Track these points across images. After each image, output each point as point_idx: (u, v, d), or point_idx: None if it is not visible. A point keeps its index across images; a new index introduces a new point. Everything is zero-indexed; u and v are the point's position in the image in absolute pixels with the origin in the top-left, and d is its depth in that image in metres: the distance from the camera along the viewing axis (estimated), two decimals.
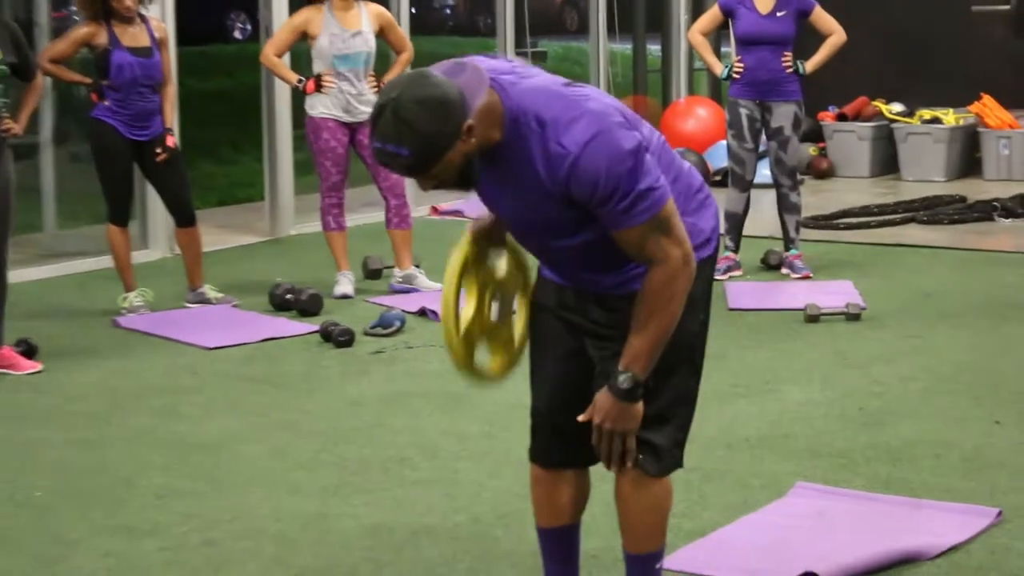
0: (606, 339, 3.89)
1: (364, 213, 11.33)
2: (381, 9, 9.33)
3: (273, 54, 9.28)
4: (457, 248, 3.98)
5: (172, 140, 8.85)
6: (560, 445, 4.08)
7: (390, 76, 9.15)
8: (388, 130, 3.54)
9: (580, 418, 3.86)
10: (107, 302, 9.01)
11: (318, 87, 9.07)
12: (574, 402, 3.96)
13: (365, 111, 8.96)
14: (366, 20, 9.13)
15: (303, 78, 9.16)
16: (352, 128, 9.11)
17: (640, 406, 3.81)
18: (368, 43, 9.11)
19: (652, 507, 4.03)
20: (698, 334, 4.01)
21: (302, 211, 11.79)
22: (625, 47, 16.11)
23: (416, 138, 3.53)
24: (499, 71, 3.74)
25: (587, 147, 3.59)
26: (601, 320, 3.92)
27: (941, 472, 5.71)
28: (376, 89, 9.07)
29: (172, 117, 9.00)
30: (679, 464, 4.03)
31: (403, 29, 9.98)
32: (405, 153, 3.55)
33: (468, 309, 3.99)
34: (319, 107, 9.11)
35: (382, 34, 9.22)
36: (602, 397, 3.81)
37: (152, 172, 8.93)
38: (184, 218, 9.02)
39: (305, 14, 9.12)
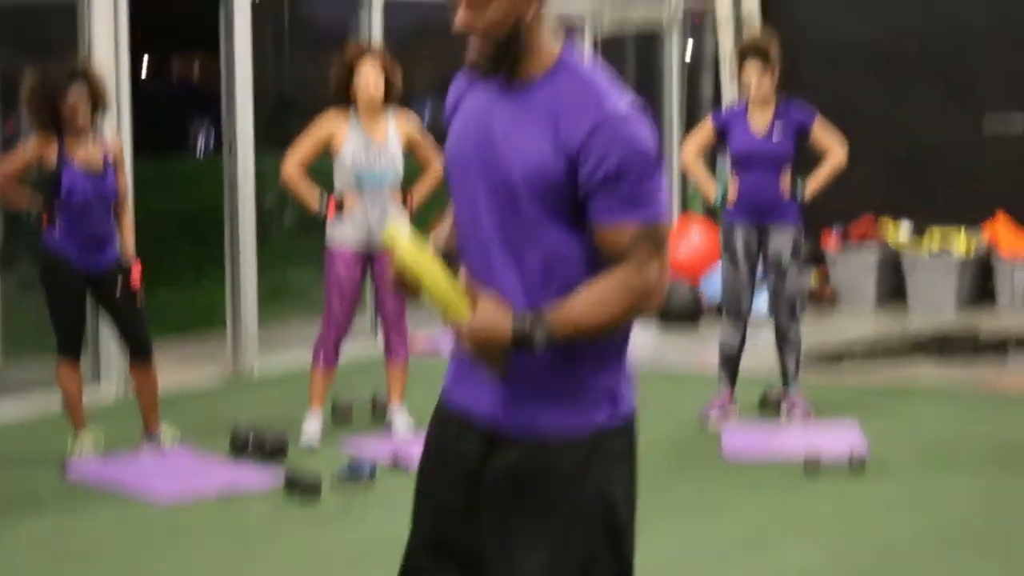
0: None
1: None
2: (410, 119, 9.25)
3: (295, 169, 9.07)
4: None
5: (137, 270, 8.84)
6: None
7: (419, 192, 9.22)
8: None
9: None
10: (56, 446, 8.96)
11: (339, 209, 9.01)
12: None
13: None
14: (393, 133, 9.06)
15: (324, 193, 9.04)
16: (371, 257, 9.07)
17: (507, 349, 3.60)
18: (395, 162, 9.06)
19: None
20: (629, 504, 3.87)
21: (267, 342, 11.79)
22: None
23: None
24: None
25: (630, 115, 3.55)
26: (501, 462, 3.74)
27: None
28: (406, 207, 9.10)
29: (131, 243, 9.01)
30: None
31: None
32: None
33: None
34: (337, 236, 9.06)
35: (409, 148, 9.17)
36: (502, 317, 3.59)
37: (106, 303, 8.91)
38: (139, 353, 8.97)
39: (330, 122, 9.05)
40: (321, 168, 9.19)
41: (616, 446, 3.78)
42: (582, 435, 3.70)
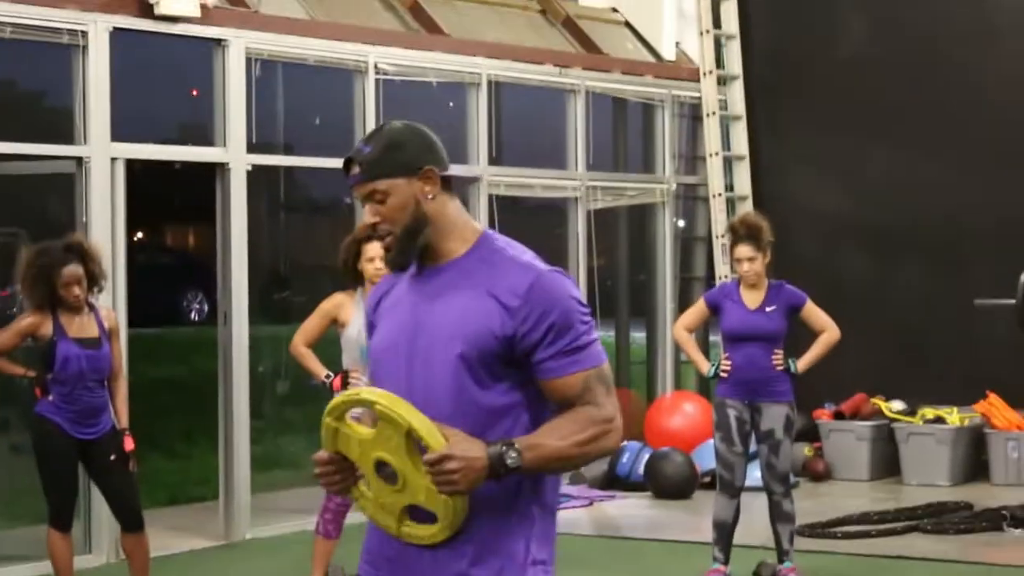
0: None
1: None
2: None
3: (303, 344, 9.12)
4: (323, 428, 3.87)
5: (130, 442, 8.82)
6: None
7: None
8: (369, 134, 3.90)
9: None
10: None
11: (344, 384, 8.97)
12: None
13: None
14: None
15: (331, 374, 9.04)
16: None
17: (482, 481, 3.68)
18: None
19: None
20: None
21: (259, 511, 11.75)
22: (607, 334, 16.18)
23: (383, 140, 3.84)
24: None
25: (553, 272, 3.77)
26: None
27: None
28: None
29: (125, 414, 9.00)
30: None
31: None
32: (367, 150, 3.83)
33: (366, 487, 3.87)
34: None
35: None
36: (476, 445, 3.68)
37: (98, 473, 8.89)
38: (131, 523, 8.91)
39: (337, 299, 9.06)
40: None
41: None
42: None
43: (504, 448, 3.66)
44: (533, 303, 3.71)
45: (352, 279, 9.06)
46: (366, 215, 3.87)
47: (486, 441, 3.69)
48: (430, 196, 3.82)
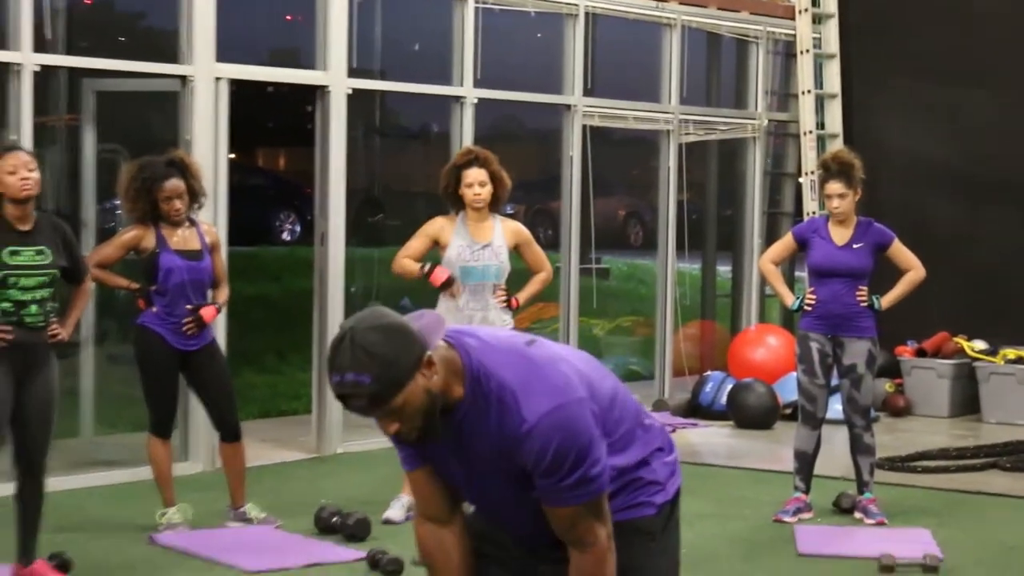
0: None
1: None
2: (519, 226, 9.33)
3: (404, 258, 9.10)
4: None
5: (211, 311, 8.94)
6: None
7: (524, 295, 9.26)
8: (346, 360, 3.69)
9: None
10: (144, 516, 9.07)
11: (446, 285, 9.00)
12: None
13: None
14: (499, 234, 9.11)
15: (428, 265, 9.03)
16: None
17: None
18: (499, 256, 9.09)
19: None
20: (675, 573, 4.19)
21: (350, 427, 11.86)
22: (694, 267, 16.22)
23: (376, 364, 3.67)
24: (461, 332, 3.93)
25: (543, 419, 3.77)
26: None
27: None
28: (505, 304, 9.16)
29: (224, 299, 9.15)
30: None
31: None
32: (366, 381, 3.68)
33: None
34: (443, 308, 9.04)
35: (518, 251, 9.23)
36: None
37: (198, 384, 9.03)
38: (229, 433, 9.08)
39: (438, 222, 9.12)
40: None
41: None
42: None
43: None
44: (524, 452, 3.79)
45: (452, 203, 9.15)
46: (384, 427, 3.83)
47: None
48: (434, 376, 3.79)
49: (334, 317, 11.66)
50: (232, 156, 11.30)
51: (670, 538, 4.12)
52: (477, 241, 9.04)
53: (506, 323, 9.08)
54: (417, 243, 9.17)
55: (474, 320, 8.92)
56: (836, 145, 14.63)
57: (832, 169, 9.54)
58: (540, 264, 9.35)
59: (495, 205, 9.13)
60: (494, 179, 9.05)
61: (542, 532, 3.99)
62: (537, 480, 3.83)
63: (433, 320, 3.82)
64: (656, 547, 4.05)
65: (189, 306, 8.78)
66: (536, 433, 3.77)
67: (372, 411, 3.74)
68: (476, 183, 8.98)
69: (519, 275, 9.32)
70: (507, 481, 3.90)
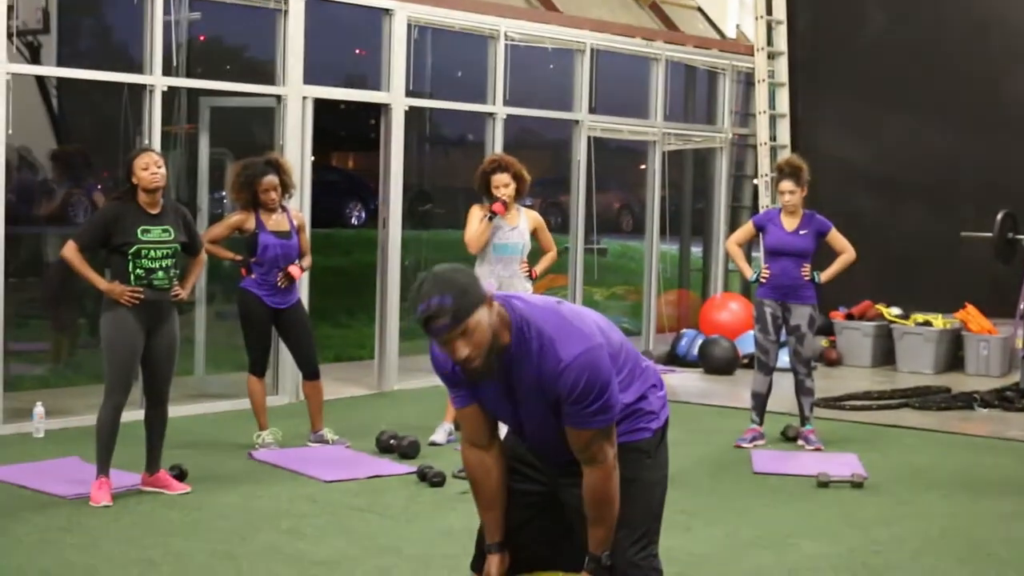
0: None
1: None
2: (537, 215, 9.27)
3: (467, 234, 9.00)
4: None
5: (297, 270, 8.89)
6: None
7: (539, 268, 9.19)
8: (430, 288, 3.67)
9: None
10: (244, 438, 9.10)
11: (502, 208, 8.89)
12: (533, 533, 4.09)
13: (513, 289, 8.95)
14: (523, 220, 9.08)
15: (492, 209, 8.91)
16: None
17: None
18: (523, 236, 9.04)
19: None
20: (663, 485, 4.15)
21: (404, 370, 11.87)
22: (673, 247, 16.20)
23: (455, 289, 3.66)
24: (507, 296, 3.90)
25: (575, 360, 3.77)
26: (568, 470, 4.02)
27: None
28: (526, 273, 9.06)
29: (308, 265, 9.11)
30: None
31: None
32: (448, 301, 3.65)
33: None
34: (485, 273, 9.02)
35: (534, 234, 9.16)
36: None
37: (286, 334, 9.03)
38: (310, 372, 9.09)
39: (478, 211, 8.97)
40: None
41: None
42: None
43: (596, 561, 3.93)
44: (560, 385, 3.78)
45: (485, 198, 9.11)
46: (456, 352, 3.74)
47: (587, 569, 3.95)
48: (495, 315, 3.78)
49: (392, 283, 11.67)
50: (313, 158, 11.26)
51: (661, 455, 4.11)
52: (508, 224, 9.00)
53: (527, 288, 9.05)
54: (474, 223, 9.06)
55: (503, 284, 8.90)
56: (785, 154, 14.51)
57: (785, 171, 9.50)
58: (549, 245, 9.32)
59: (519, 196, 9.08)
60: (516, 178, 9.01)
61: (565, 453, 3.96)
62: (566, 408, 3.81)
63: (487, 284, 3.87)
64: (651, 462, 4.05)
65: (280, 270, 8.75)
66: (569, 370, 3.75)
67: (451, 330, 3.68)
68: (502, 185, 8.95)
69: (533, 254, 9.30)
70: (543, 410, 3.87)
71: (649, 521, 4.04)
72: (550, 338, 3.79)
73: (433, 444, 9.13)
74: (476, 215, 9.03)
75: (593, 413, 3.80)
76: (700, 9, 16.01)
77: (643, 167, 14.75)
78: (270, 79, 10.94)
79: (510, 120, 12.69)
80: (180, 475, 7.83)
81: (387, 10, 11.64)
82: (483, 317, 3.71)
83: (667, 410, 4.12)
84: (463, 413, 4.06)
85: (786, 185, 9.42)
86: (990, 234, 13.38)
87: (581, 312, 3.95)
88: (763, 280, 9.55)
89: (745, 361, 13.08)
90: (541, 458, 4.10)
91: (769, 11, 15.20)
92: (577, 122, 13.47)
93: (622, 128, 14.19)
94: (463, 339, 3.71)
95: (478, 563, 4.20)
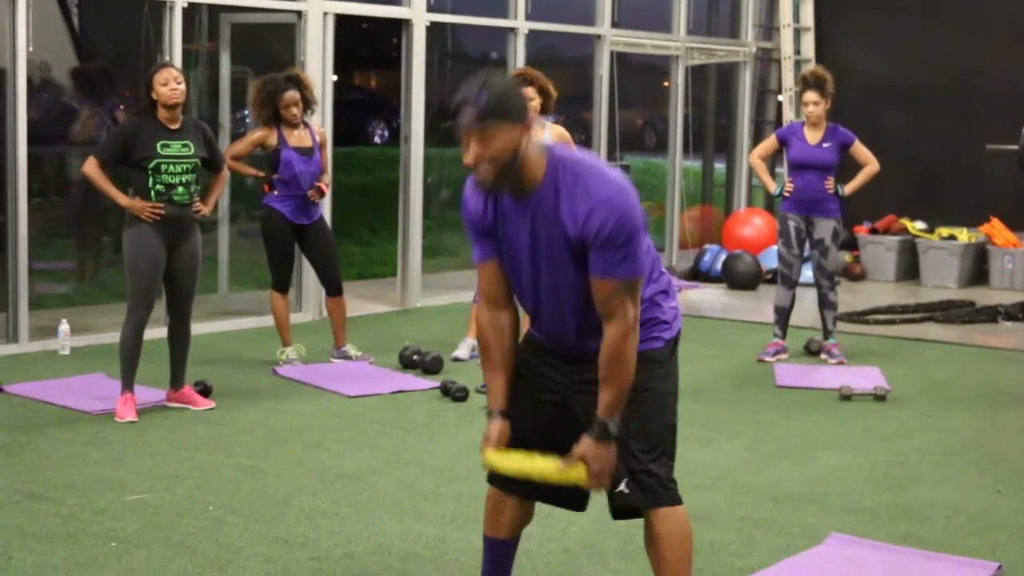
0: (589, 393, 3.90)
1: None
2: (562, 130, 8.82)
3: None
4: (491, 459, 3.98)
5: (324, 187, 8.91)
6: (521, 480, 4.03)
7: None
8: (474, 85, 3.66)
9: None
10: (268, 354, 9.13)
11: None
12: (544, 442, 3.98)
13: None
14: (548, 135, 8.63)
15: None
16: None
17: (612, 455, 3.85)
18: None
19: (681, 541, 3.97)
20: (674, 395, 4.06)
21: (427, 287, 11.88)
22: (696, 164, 16.14)
23: (495, 93, 3.63)
24: (548, 145, 3.83)
25: (609, 197, 3.68)
26: (581, 379, 3.95)
27: (951, 531, 5.69)
28: None
29: (328, 182, 9.10)
30: (679, 496, 4.01)
31: None
32: (481, 97, 3.62)
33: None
34: None
35: None
36: (595, 446, 3.81)
37: (309, 250, 9.03)
38: (333, 289, 9.10)
39: None
40: None
41: None
42: None
43: (604, 427, 3.79)
44: (592, 220, 3.68)
45: None
46: (471, 151, 3.67)
47: (591, 437, 3.80)
48: (527, 143, 3.70)
49: (415, 201, 11.63)
50: (335, 77, 11.20)
51: (673, 366, 4.05)
52: None
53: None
54: None
55: None
56: (810, 68, 14.42)
57: (809, 81, 9.43)
58: None
59: (544, 111, 8.99)
60: (542, 92, 8.90)
61: (581, 336, 3.91)
62: (592, 252, 3.71)
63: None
64: (662, 371, 3.99)
65: (308, 189, 8.75)
66: (602, 207, 3.67)
67: (473, 125, 3.63)
68: (528, 99, 8.85)
69: None
70: (565, 265, 3.79)
71: (662, 431, 3.98)
72: (585, 176, 3.72)
73: (456, 360, 9.15)
74: None
75: (620, 261, 3.70)
76: None
77: (666, 83, 14.64)
78: None
79: (532, 36, 12.59)
80: (205, 391, 7.87)
81: None
82: (507, 131, 3.65)
83: (680, 321, 4.06)
84: (482, 267, 3.97)
85: (810, 96, 9.35)
86: (1015, 147, 13.25)
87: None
88: (787, 194, 9.50)
89: (768, 276, 13.06)
90: (555, 347, 4.02)
91: None
92: (599, 37, 13.36)
93: (645, 43, 14.07)
94: (479, 141, 3.65)
95: (499, 480, 4.14)
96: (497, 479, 4.13)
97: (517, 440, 4.00)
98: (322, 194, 8.85)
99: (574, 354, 3.98)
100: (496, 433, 3.98)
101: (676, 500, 3.98)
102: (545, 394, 4.03)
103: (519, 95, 3.71)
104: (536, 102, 8.83)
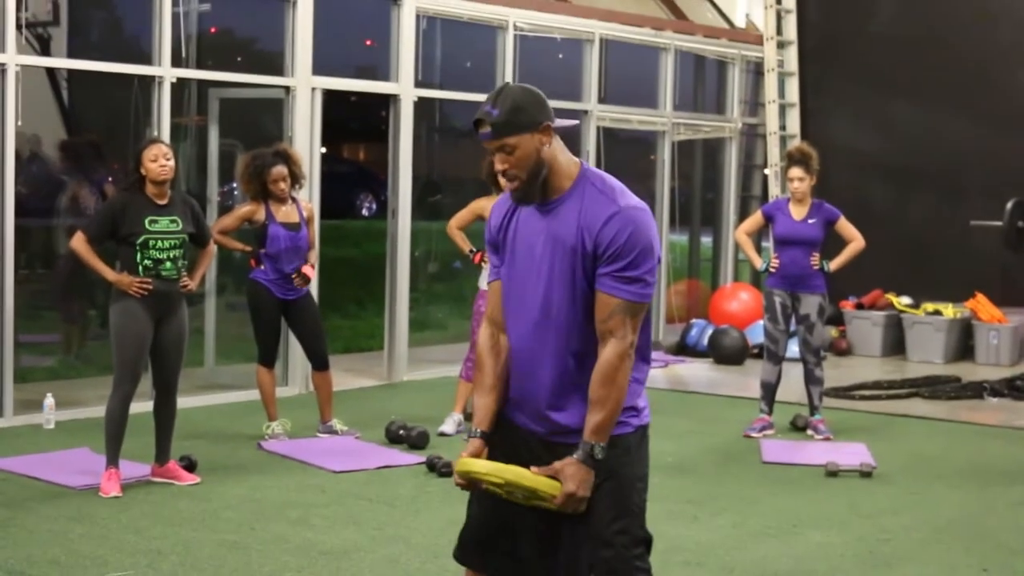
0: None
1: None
2: None
3: (456, 227, 9.18)
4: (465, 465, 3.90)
5: (310, 271, 8.90)
6: (490, 552, 3.99)
7: None
8: (493, 97, 3.74)
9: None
10: (254, 428, 9.11)
11: (483, 260, 9.03)
12: (511, 522, 3.92)
13: None
14: None
15: (474, 249, 9.09)
16: None
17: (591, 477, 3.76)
18: None
19: None
20: (643, 487, 3.94)
21: (414, 360, 11.88)
22: (683, 238, 16.20)
23: (508, 105, 3.70)
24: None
25: (631, 211, 3.71)
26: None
27: None
28: None
29: (315, 260, 9.11)
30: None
31: None
32: (496, 113, 3.71)
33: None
34: (483, 280, 9.04)
35: None
36: (575, 467, 3.74)
37: (295, 324, 9.03)
38: (319, 363, 9.09)
39: (482, 202, 9.05)
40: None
41: None
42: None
43: (588, 450, 3.74)
44: (606, 230, 3.69)
45: (493, 186, 9.10)
46: (497, 162, 3.79)
47: (574, 458, 3.74)
48: (547, 146, 3.76)
49: (402, 274, 11.67)
50: (323, 149, 11.26)
51: (642, 453, 3.96)
52: None
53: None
54: (465, 214, 9.19)
55: None
56: (795, 143, 14.52)
57: (795, 157, 9.49)
58: None
59: None
60: None
61: (559, 389, 3.83)
62: (602, 266, 3.71)
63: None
64: (629, 459, 3.89)
65: (294, 272, 8.76)
66: (619, 217, 3.69)
67: (491, 140, 3.73)
68: None
69: None
70: (570, 277, 3.76)
71: (628, 518, 3.87)
72: (612, 189, 3.76)
73: (443, 435, 9.14)
74: (475, 209, 9.11)
75: (627, 280, 3.69)
76: None
77: (653, 158, 14.73)
78: (279, 70, 10.95)
79: None
80: (189, 466, 7.84)
81: (396, 0, 11.63)
82: (527, 141, 3.73)
83: (648, 411, 3.98)
84: (494, 286, 3.99)
85: (795, 172, 9.42)
86: (1000, 223, 13.36)
87: None
88: (772, 269, 9.53)
89: (755, 351, 13.08)
90: (526, 417, 3.93)
91: (779, 0, 15.18)
92: (586, 112, 13.46)
93: (631, 118, 14.18)
94: (502, 153, 3.76)
95: (460, 552, 4.07)
96: (469, 557, 4.05)
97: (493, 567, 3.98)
98: (306, 279, 8.86)
99: (543, 433, 3.90)
100: (472, 449, 3.93)
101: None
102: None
103: (533, 101, 3.76)
104: None
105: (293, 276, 8.78)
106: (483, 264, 9.03)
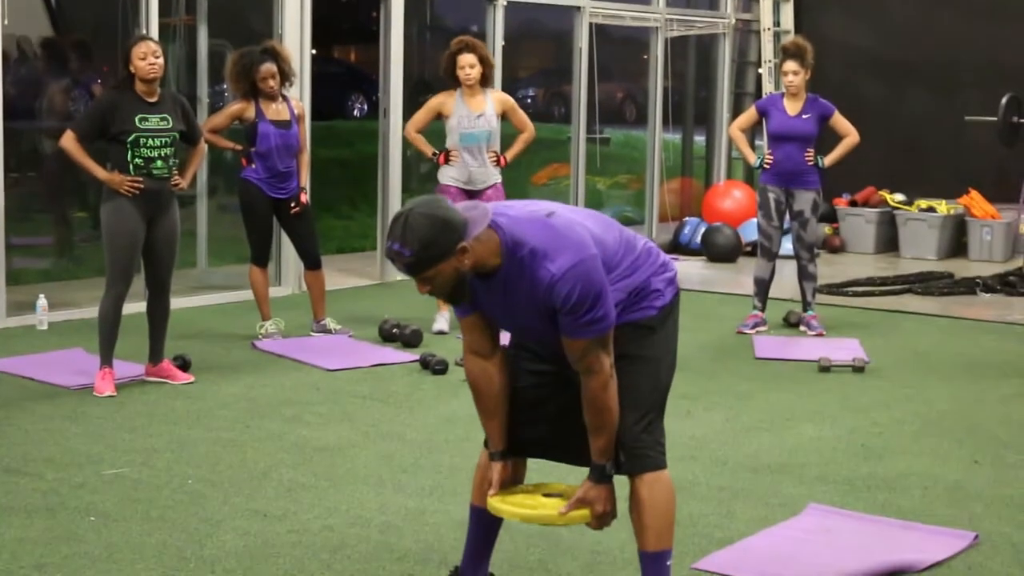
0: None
1: None
2: (504, 96, 9.27)
3: (414, 131, 9.19)
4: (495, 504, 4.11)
5: (305, 197, 8.94)
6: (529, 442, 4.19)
7: (511, 153, 9.19)
8: (397, 233, 3.73)
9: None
10: (247, 328, 9.12)
11: (447, 160, 9.07)
12: (542, 413, 4.12)
13: (483, 180, 9.03)
14: (490, 104, 9.03)
15: (436, 151, 9.09)
16: (472, 194, 9.00)
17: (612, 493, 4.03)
18: (490, 123, 9.02)
19: (665, 506, 4.04)
20: (669, 359, 4.13)
21: None
22: (675, 137, 16.12)
23: (417, 243, 3.70)
24: (496, 212, 3.88)
25: (567, 272, 3.76)
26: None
27: (928, 501, 5.72)
28: (495, 162, 9.10)
29: (306, 178, 9.10)
30: (664, 461, 4.08)
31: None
32: (407, 254, 3.72)
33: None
34: (447, 176, 9.08)
35: (506, 116, 9.15)
36: (596, 489, 3.98)
37: (287, 223, 9.02)
38: (311, 262, 9.10)
39: (440, 98, 9.05)
40: (436, 129, 9.28)
41: None
42: None
43: (600, 470, 3.97)
44: (553, 297, 3.76)
45: (452, 82, 9.06)
46: (419, 288, 3.82)
47: (591, 482, 3.98)
48: (466, 262, 3.77)
49: (394, 174, 11.63)
50: (314, 51, 11.18)
51: (668, 331, 4.10)
52: (473, 111, 9.01)
53: (496, 176, 9.06)
54: (422, 115, 9.20)
55: (474, 176, 9.03)
56: (789, 38, 14.44)
57: (790, 51, 9.44)
58: (524, 125, 9.28)
59: (485, 82, 9.04)
60: (482, 61, 8.99)
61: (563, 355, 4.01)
62: (561, 318, 3.82)
63: (480, 213, 3.82)
64: (656, 338, 4.05)
65: (285, 169, 8.77)
66: (562, 282, 3.76)
67: (409, 274, 3.78)
68: (467, 65, 8.93)
69: (509, 138, 9.31)
70: (540, 319, 3.89)
71: (654, 397, 4.04)
72: (542, 252, 3.80)
73: (439, 333, 9.16)
74: (432, 106, 9.12)
75: (587, 324, 3.80)
76: None
77: (645, 56, 14.63)
78: None
79: (512, 9, 12.57)
80: (184, 365, 7.86)
81: None
82: (444, 267, 3.75)
83: (675, 287, 4.10)
84: (465, 322, 4.07)
85: (790, 66, 9.37)
86: (995, 118, 13.31)
87: (573, 221, 3.91)
88: (766, 166, 9.51)
89: (748, 249, 13.09)
90: (547, 355, 4.11)
91: None
92: (579, 9, 13.34)
93: (624, 14, 14.06)
94: (422, 282, 3.80)
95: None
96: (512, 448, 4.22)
97: (527, 442, 4.17)
98: (301, 205, 8.86)
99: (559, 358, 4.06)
100: (498, 477, 4.13)
101: (662, 464, 4.05)
102: (542, 364, 4.12)
103: (441, 229, 3.73)
104: (476, 71, 8.90)
105: (292, 205, 8.80)
106: (450, 162, 9.03)
